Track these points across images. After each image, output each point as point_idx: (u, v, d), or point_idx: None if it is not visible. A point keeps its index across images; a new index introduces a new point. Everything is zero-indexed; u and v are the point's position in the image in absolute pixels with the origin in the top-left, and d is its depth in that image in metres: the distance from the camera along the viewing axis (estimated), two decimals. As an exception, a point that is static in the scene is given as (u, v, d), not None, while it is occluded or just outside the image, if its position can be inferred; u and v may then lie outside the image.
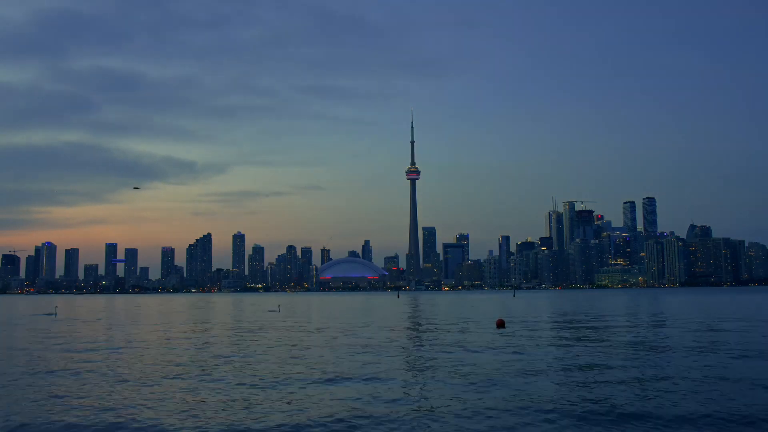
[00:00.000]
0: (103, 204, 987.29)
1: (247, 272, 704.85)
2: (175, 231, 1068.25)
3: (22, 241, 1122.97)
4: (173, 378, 24.20)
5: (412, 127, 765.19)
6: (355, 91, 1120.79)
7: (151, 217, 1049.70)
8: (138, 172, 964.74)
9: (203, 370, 26.22)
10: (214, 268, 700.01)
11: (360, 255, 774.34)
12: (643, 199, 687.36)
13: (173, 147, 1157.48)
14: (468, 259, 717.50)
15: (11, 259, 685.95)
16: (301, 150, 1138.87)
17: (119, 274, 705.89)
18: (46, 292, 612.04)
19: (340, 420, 16.68)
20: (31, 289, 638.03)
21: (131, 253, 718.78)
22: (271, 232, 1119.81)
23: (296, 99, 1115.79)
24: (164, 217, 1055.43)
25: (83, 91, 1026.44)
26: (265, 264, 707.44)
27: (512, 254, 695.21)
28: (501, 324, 57.44)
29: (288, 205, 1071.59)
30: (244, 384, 22.53)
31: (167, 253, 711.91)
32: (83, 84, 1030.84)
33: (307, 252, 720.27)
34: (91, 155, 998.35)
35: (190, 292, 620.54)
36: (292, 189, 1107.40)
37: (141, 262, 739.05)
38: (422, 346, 36.80)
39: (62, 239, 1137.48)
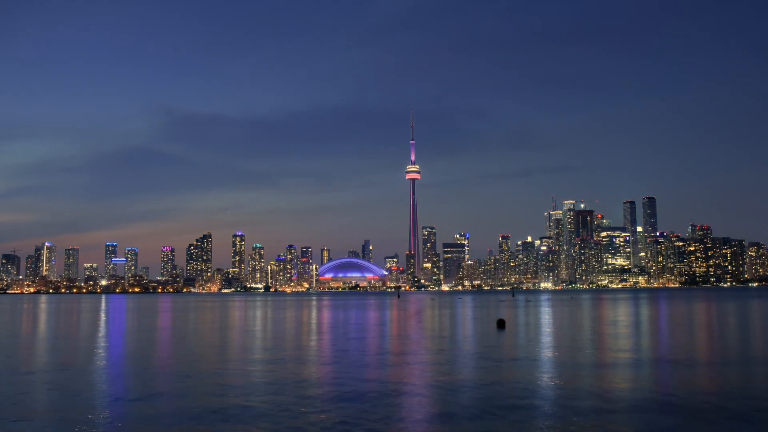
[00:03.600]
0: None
1: (246, 272, 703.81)
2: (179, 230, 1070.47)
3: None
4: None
5: (412, 127, 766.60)
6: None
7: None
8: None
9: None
10: (214, 268, 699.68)
11: (360, 255, 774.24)
12: (643, 199, 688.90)
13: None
14: (468, 259, 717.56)
15: (11, 259, 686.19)
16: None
17: (119, 274, 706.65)
18: (47, 292, 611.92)
19: None
20: (32, 290, 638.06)
21: (131, 253, 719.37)
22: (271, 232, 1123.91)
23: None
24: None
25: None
26: (265, 264, 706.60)
27: (512, 254, 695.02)
28: (501, 324, 59.16)
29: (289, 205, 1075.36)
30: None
31: (167, 253, 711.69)
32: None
33: (307, 252, 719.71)
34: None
35: (189, 292, 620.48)
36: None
37: (146, 262, 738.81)
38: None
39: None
